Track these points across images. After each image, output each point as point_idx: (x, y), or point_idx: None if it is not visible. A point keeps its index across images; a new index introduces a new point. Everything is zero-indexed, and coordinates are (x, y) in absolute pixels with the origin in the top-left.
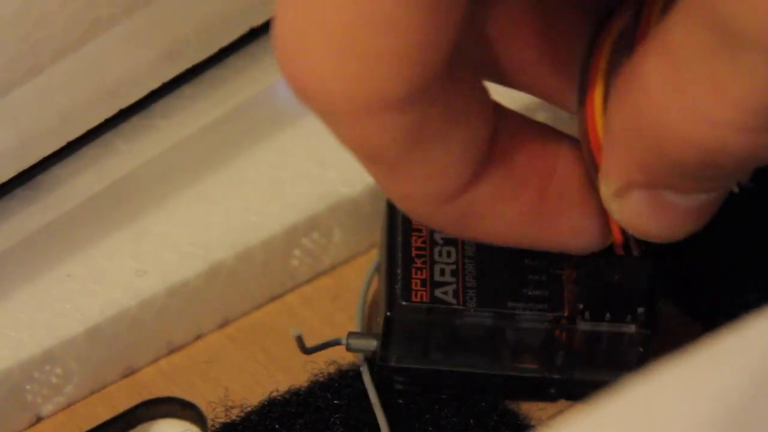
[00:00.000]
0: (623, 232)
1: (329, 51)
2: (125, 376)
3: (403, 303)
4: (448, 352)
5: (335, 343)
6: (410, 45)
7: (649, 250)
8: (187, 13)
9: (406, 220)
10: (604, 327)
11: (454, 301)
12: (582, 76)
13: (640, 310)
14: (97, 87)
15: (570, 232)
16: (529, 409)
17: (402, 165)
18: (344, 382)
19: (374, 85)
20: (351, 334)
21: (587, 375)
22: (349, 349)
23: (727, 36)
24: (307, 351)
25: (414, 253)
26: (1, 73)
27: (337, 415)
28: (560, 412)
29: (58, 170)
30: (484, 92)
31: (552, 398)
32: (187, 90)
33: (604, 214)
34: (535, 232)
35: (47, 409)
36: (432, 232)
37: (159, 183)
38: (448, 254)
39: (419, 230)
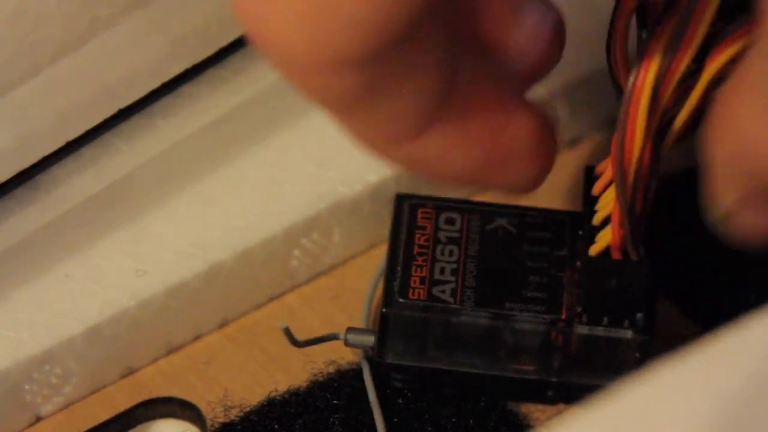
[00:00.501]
0: (621, 237)
1: (292, 11)
2: (124, 376)
3: (400, 300)
4: (445, 350)
5: (332, 337)
6: (374, 12)
7: (648, 255)
8: (186, 12)
9: (412, 218)
10: (601, 331)
11: (451, 299)
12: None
13: (639, 315)
14: (96, 87)
15: (517, 178)
16: (529, 409)
17: (356, 112)
18: (343, 382)
19: (334, 47)
20: (350, 329)
21: (585, 379)
22: (347, 343)
23: None
24: (298, 344)
25: (416, 250)
26: None
27: (336, 415)
28: (559, 412)
29: (57, 170)
30: (444, 45)
31: (550, 401)
32: (186, 90)
33: (551, 166)
34: (483, 177)
35: (46, 409)
36: (436, 231)
37: (158, 183)
38: (450, 253)
39: (423, 228)
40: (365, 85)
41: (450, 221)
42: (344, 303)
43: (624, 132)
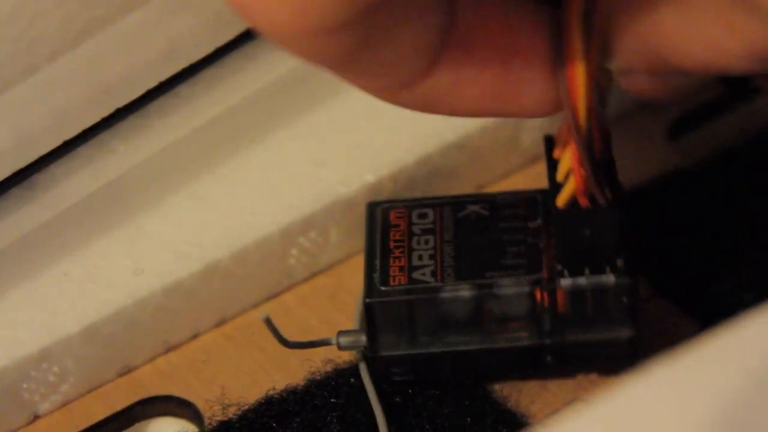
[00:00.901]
0: (584, 178)
1: None
2: (122, 374)
3: (382, 288)
4: (435, 333)
5: (325, 343)
6: None
7: (615, 198)
8: (183, 12)
9: (385, 220)
10: (583, 282)
11: (432, 279)
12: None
13: (620, 261)
14: (92, 86)
15: (532, 103)
16: (527, 407)
17: (353, 65)
18: (341, 380)
19: (316, 13)
20: (340, 333)
21: (579, 335)
22: (340, 347)
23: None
24: (288, 344)
25: (392, 245)
26: None
27: (334, 414)
28: (558, 410)
29: (55, 169)
30: None
31: (551, 370)
32: (183, 89)
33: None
34: (496, 107)
35: (44, 407)
36: (410, 226)
37: (155, 182)
38: (426, 242)
39: (397, 225)
40: (358, 42)
41: (422, 216)
42: (341, 302)
43: (566, 68)
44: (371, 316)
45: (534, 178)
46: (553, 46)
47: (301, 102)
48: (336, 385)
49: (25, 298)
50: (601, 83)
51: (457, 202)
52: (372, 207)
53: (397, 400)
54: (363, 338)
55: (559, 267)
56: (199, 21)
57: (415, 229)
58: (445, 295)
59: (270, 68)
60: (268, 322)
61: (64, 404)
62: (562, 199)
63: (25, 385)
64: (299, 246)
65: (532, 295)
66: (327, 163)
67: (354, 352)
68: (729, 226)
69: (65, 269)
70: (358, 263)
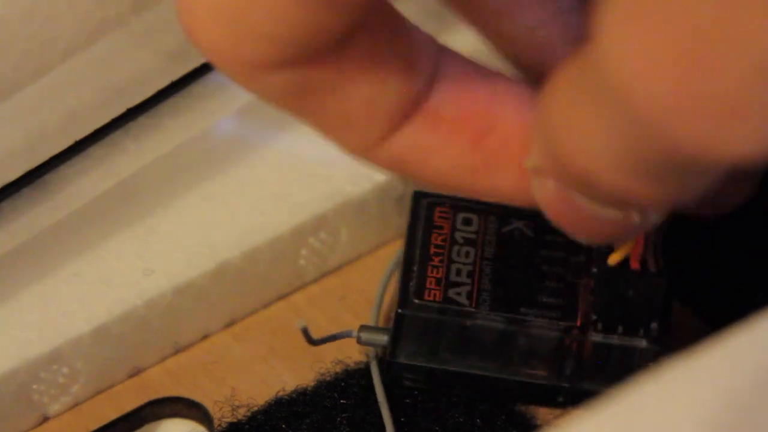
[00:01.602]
0: (644, 247)
1: (213, 23)
2: (132, 375)
3: (416, 301)
4: (457, 353)
5: (346, 335)
6: (280, 28)
7: (667, 267)
8: None
9: (429, 217)
10: (615, 340)
11: (467, 302)
12: None
13: (653, 325)
14: (104, 86)
15: (510, 187)
16: (537, 409)
17: (306, 112)
18: (351, 381)
19: (252, 52)
20: (363, 327)
21: (596, 386)
22: (359, 341)
23: (601, 87)
24: (314, 342)
25: (432, 251)
26: (9, 72)
27: (343, 415)
28: (568, 412)
29: (66, 170)
30: (402, 52)
31: (560, 406)
32: (195, 89)
33: None
34: (467, 184)
35: (54, 408)
36: (453, 231)
37: (166, 182)
38: (467, 254)
39: (441, 227)
40: (299, 86)
41: (467, 221)
42: (351, 303)
43: None
44: (399, 325)
45: None
46: None
47: None
48: (346, 387)
49: (36, 299)
50: None
51: (504, 214)
52: (418, 198)
53: (407, 401)
54: (384, 338)
55: (593, 317)
56: None
57: (458, 236)
58: (477, 323)
59: None
60: (306, 332)
61: (74, 405)
62: (615, 258)
63: (34, 386)
64: (309, 246)
65: (561, 341)
66: (337, 163)
67: (364, 354)
68: (738, 227)
69: (76, 270)
70: (369, 264)
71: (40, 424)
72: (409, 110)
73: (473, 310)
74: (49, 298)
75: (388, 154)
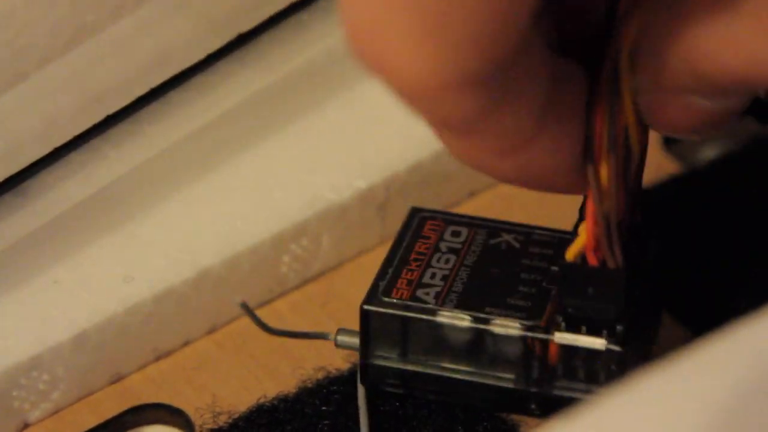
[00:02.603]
0: (595, 238)
1: (409, 33)
2: (113, 382)
3: (383, 298)
4: (427, 354)
5: (321, 336)
6: (491, 24)
7: (629, 265)
8: (175, 18)
9: (419, 228)
10: (575, 340)
11: (432, 301)
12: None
13: (619, 328)
14: (83, 93)
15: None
16: (519, 417)
17: (474, 130)
18: (332, 388)
19: (454, 66)
20: (340, 330)
21: (565, 391)
22: (337, 345)
23: None
24: (272, 331)
25: (413, 256)
26: None
27: (325, 422)
28: (547, 420)
29: (45, 176)
30: (549, 51)
31: (535, 415)
32: (174, 96)
33: None
34: (580, 182)
35: (34, 415)
36: (439, 241)
37: (146, 189)
38: (447, 261)
39: (428, 237)
40: (486, 101)
41: (456, 234)
42: (333, 309)
43: (592, 116)
44: (366, 323)
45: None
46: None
47: (293, 108)
48: (327, 393)
49: (15, 306)
50: (632, 144)
51: (495, 228)
52: (413, 213)
53: (388, 408)
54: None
55: (559, 318)
56: (190, 27)
57: (443, 246)
58: (439, 320)
59: (261, 74)
60: (245, 307)
61: (55, 412)
62: (571, 252)
63: (15, 393)
64: (291, 253)
65: (524, 341)
66: (319, 170)
67: (345, 362)
68: (722, 234)
69: (55, 276)
70: (351, 270)
71: (21, 430)
72: (552, 107)
73: (436, 307)
74: (28, 305)
75: (525, 158)
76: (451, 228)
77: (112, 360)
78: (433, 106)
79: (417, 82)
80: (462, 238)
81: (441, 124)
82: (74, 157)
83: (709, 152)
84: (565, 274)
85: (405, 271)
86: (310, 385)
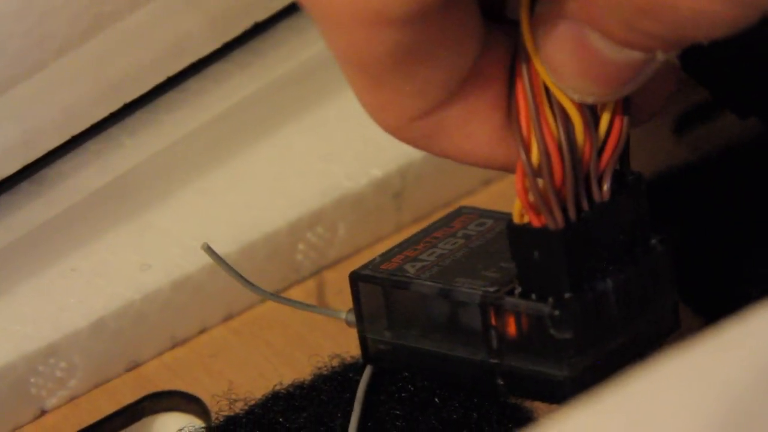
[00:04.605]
0: (525, 196)
1: None
2: (129, 369)
3: (372, 269)
4: (408, 327)
5: (333, 314)
6: None
7: (570, 228)
8: (192, 8)
9: (452, 219)
10: (521, 304)
11: (413, 273)
12: None
13: (567, 294)
14: (101, 82)
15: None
16: (533, 404)
17: (386, 78)
18: (347, 375)
19: (381, 0)
20: (351, 310)
21: (525, 363)
22: (348, 323)
23: None
24: (257, 289)
25: (426, 239)
26: (5, 68)
27: (340, 408)
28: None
29: (62, 165)
30: (477, 14)
31: (502, 393)
32: (191, 84)
33: None
34: (500, 155)
35: (51, 402)
36: (460, 230)
37: (163, 177)
38: (454, 244)
39: (452, 227)
40: (405, 47)
41: (481, 224)
42: (349, 297)
43: (516, 79)
44: (355, 292)
45: None
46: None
47: (309, 97)
48: (343, 380)
49: (33, 294)
50: (563, 103)
51: None
52: (459, 210)
53: (403, 395)
54: None
55: (516, 286)
56: (207, 16)
57: (460, 233)
58: (411, 288)
59: (277, 63)
60: (210, 250)
61: (71, 399)
62: (515, 214)
63: (32, 380)
64: (306, 241)
65: (482, 308)
66: (334, 157)
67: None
68: (734, 221)
69: (73, 264)
70: (366, 258)
71: (38, 417)
72: (470, 73)
73: (411, 276)
74: (46, 293)
75: (436, 122)
76: (480, 220)
77: (128, 347)
78: (352, 37)
79: (342, 7)
80: (482, 228)
81: (355, 63)
82: (91, 145)
83: (720, 140)
84: (512, 237)
85: (410, 249)
86: (325, 372)
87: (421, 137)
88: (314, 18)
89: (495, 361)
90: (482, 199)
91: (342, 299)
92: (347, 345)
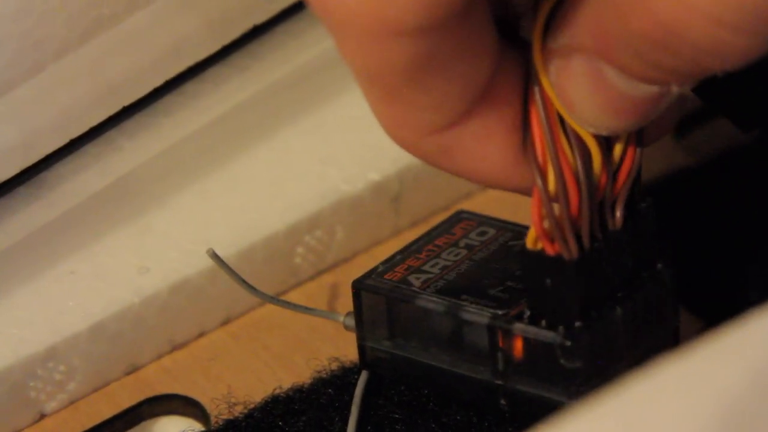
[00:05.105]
0: (540, 226)
1: None
2: (128, 373)
3: (375, 278)
4: (409, 339)
5: (331, 316)
6: None
7: (584, 258)
8: (190, 10)
9: (452, 225)
10: (530, 331)
11: (418, 285)
12: None
13: (578, 323)
14: (99, 84)
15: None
16: None
17: (401, 91)
18: (347, 378)
19: (397, 10)
20: (349, 313)
21: (530, 387)
22: (346, 327)
23: None
24: (255, 291)
25: (428, 247)
26: (3, 70)
27: (339, 412)
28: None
29: (61, 168)
30: (493, 29)
31: (504, 413)
32: (189, 87)
33: None
34: (514, 177)
35: (50, 406)
36: (461, 238)
37: (161, 180)
38: (456, 254)
39: (453, 234)
40: (421, 59)
41: (482, 234)
42: (347, 300)
43: (529, 106)
44: (357, 301)
45: None
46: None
47: (307, 100)
48: (342, 384)
49: (32, 297)
50: (579, 132)
51: (520, 231)
52: (457, 214)
53: (402, 399)
54: None
55: (526, 311)
56: (205, 19)
57: (462, 242)
58: (415, 303)
59: (275, 67)
60: (215, 256)
61: (71, 403)
62: (529, 239)
63: (31, 384)
64: (305, 244)
65: (489, 330)
66: (333, 161)
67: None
68: (734, 224)
69: (71, 267)
70: (365, 261)
71: (37, 421)
72: (487, 90)
73: (417, 290)
74: (44, 296)
75: (449, 140)
76: (481, 228)
77: (127, 351)
78: (367, 48)
79: (357, 17)
80: (484, 238)
81: (370, 75)
82: (90, 148)
83: (719, 143)
84: (524, 262)
85: (412, 258)
86: (324, 376)
87: (435, 153)
88: (328, 28)
89: (499, 382)
90: (480, 203)
91: (340, 302)
92: (346, 349)
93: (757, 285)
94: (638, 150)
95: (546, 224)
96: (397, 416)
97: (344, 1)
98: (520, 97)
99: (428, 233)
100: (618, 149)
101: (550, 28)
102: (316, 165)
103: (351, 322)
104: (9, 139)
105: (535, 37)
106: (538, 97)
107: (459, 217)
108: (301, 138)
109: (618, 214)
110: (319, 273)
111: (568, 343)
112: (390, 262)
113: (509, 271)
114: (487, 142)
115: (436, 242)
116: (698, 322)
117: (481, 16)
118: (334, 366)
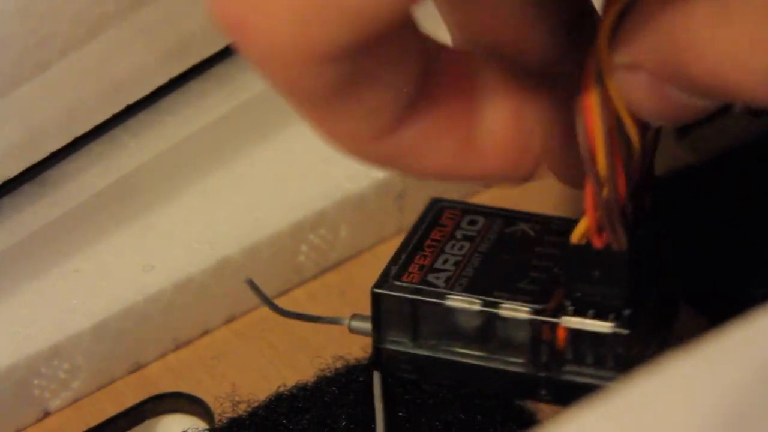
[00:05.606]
0: (596, 220)
1: (278, 4)
2: (132, 371)
3: (394, 282)
4: (437, 338)
5: (336, 321)
6: (361, 7)
7: (631, 248)
8: (195, 8)
9: (436, 217)
10: (581, 324)
11: (443, 285)
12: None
13: (627, 311)
14: (104, 83)
15: (500, 167)
16: (536, 403)
17: (333, 106)
18: (351, 377)
19: (321, 38)
20: (354, 316)
21: (575, 376)
22: (351, 329)
23: None
24: (284, 313)
25: (427, 243)
26: (8, 68)
27: (343, 410)
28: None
29: (65, 166)
30: (418, 34)
31: (545, 401)
32: (194, 86)
33: (536, 162)
34: (463, 168)
35: (54, 404)
36: (455, 229)
37: (166, 179)
38: (461, 248)
39: (444, 225)
40: (346, 77)
41: (472, 222)
42: (351, 298)
43: (582, 94)
44: (377, 307)
45: None
46: (560, 77)
47: None
48: (346, 382)
49: (36, 295)
50: (629, 131)
51: (512, 217)
52: (433, 203)
53: (406, 397)
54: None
55: (568, 303)
56: (210, 18)
57: (458, 233)
58: (448, 303)
59: None
60: (252, 284)
61: (75, 401)
62: (576, 235)
63: (35, 382)
64: (309, 242)
65: (532, 325)
66: (336, 159)
67: (364, 351)
68: (738, 223)
69: (76, 266)
70: (368, 260)
71: (41, 419)
72: (419, 96)
73: (446, 290)
74: (49, 294)
75: (392, 143)
76: (469, 217)
77: (131, 349)
78: (294, 74)
79: (275, 48)
80: (478, 227)
81: (299, 97)
82: (94, 146)
83: (723, 142)
84: (569, 257)
85: (418, 256)
86: (329, 374)
87: (384, 157)
88: (250, 60)
89: (543, 374)
90: (484, 201)
91: (344, 301)
92: (350, 347)
93: (760, 283)
94: (658, 137)
95: (599, 214)
96: (401, 414)
97: (265, 34)
98: (464, 90)
99: (416, 227)
100: (650, 136)
101: (614, 33)
102: (320, 163)
103: (357, 325)
104: (13, 137)
105: (602, 42)
106: (596, 96)
107: (438, 206)
108: (304, 136)
109: (647, 200)
110: (323, 271)
111: (626, 332)
112: (398, 262)
113: (525, 262)
114: (433, 137)
115: (432, 236)
116: (702, 320)
117: (402, 28)
118: (339, 364)
